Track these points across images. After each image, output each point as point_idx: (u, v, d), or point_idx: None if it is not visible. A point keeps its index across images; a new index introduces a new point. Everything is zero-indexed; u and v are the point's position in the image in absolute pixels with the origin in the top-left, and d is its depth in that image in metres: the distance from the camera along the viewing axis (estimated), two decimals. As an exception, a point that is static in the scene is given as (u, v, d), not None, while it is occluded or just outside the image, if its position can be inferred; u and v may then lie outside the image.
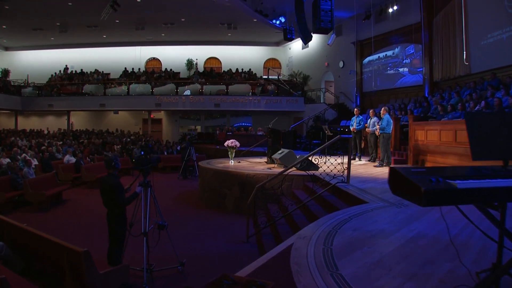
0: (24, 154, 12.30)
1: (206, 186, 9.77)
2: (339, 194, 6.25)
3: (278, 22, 20.33)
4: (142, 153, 4.75)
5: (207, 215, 8.63)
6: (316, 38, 21.09)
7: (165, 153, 17.60)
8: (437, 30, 15.33)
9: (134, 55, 26.77)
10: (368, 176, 8.01)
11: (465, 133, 8.16)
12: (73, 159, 13.09)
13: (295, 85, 24.46)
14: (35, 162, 11.95)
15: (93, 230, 7.21)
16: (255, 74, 26.17)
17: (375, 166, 9.77)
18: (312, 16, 10.44)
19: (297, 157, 9.30)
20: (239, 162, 10.72)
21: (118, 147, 18.09)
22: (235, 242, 6.50)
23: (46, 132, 21.91)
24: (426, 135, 9.79)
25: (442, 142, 9.10)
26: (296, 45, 26.51)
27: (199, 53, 27.86)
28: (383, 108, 9.92)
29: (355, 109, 11.66)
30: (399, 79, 18.03)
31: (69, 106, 22.62)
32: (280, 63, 28.95)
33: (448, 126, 8.85)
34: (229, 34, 24.63)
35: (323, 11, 10.17)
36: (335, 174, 6.53)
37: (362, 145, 11.90)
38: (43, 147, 13.95)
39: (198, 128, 27.62)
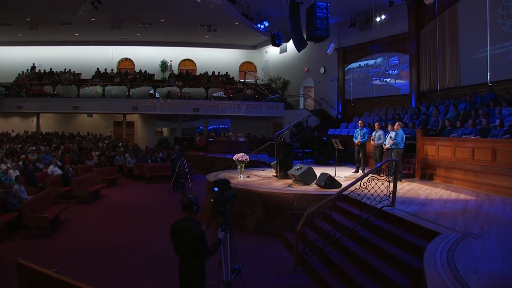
0: (3, 165, 11.11)
1: (219, 203, 9.22)
2: (389, 219, 6.04)
3: (262, 26, 20.01)
4: (216, 189, 4.13)
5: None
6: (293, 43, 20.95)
7: (149, 161, 16.71)
8: (425, 41, 15.67)
9: (106, 55, 25.40)
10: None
11: (483, 151, 8.23)
12: (58, 171, 12.01)
13: (274, 90, 24.21)
14: (16, 173, 10.84)
15: (112, 262, 6.49)
16: (233, 77, 25.67)
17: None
18: (306, 24, 10.15)
19: (317, 175, 9.06)
20: (248, 176, 10.28)
21: (96, 153, 16.96)
22: (281, 271, 6.08)
23: (12, 134, 20.17)
24: (437, 150, 9.87)
25: (457, 158, 9.19)
26: (273, 48, 26.19)
27: (174, 54, 26.95)
28: (397, 123, 9.90)
29: (359, 121, 11.58)
30: (387, 89, 18.22)
31: (40, 108, 20.86)
32: (255, 67, 28.61)
33: (466, 143, 8.94)
34: (207, 36, 23.98)
35: (318, 18, 9.92)
36: (381, 198, 6.32)
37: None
38: (23, 156, 12.69)
39: (165, 130, 26.40)
